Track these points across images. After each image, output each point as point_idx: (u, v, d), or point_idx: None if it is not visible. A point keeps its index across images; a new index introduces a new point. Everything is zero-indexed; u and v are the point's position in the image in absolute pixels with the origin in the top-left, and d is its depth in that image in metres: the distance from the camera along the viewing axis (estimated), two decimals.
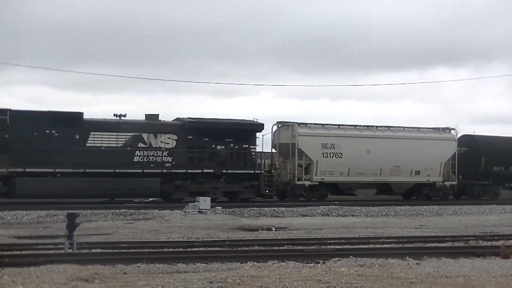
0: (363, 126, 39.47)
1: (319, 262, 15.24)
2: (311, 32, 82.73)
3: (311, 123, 38.41)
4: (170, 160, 34.75)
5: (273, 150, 38.88)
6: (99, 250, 16.54)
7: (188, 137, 35.18)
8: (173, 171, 34.62)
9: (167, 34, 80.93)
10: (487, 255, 16.69)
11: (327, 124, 38.69)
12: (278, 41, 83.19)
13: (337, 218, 30.26)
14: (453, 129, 42.20)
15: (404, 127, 40.53)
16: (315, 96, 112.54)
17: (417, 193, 40.97)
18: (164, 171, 34.47)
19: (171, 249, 17.24)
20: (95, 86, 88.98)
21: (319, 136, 37.85)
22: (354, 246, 18.21)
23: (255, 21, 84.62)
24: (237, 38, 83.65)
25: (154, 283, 12.09)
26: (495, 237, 21.23)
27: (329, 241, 19.28)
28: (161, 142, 34.66)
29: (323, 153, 37.69)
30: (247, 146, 36.36)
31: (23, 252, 16.02)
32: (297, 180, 37.30)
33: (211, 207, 30.25)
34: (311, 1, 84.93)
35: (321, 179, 37.72)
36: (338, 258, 15.60)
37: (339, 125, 38.87)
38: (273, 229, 25.12)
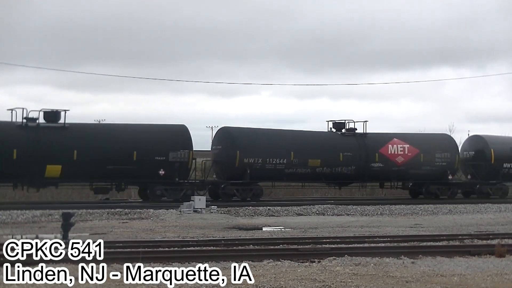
0: None
1: (314, 261, 15.23)
2: (317, 31, 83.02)
3: None
4: None
5: None
6: None
7: None
8: None
9: (168, 34, 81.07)
10: (482, 254, 16.68)
11: None
12: (282, 41, 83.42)
13: (332, 217, 30.26)
14: None
15: None
16: (317, 95, 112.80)
17: None
18: None
19: (166, 249, 17.23)
20: (96, 86, 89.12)
21: None
22: (349, 245, 18.21)
23: (260, 21, 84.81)
24: (241, 38, 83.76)
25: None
26: (490, 236, 21.23)
27: (324, 240, 19.28)
28: None
29: None
30: None
31: None
32: None
33: (206, 206, 30.27)
34: (317, 0, 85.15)
35: None
36: (333, 257, 15.59)
37: None
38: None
